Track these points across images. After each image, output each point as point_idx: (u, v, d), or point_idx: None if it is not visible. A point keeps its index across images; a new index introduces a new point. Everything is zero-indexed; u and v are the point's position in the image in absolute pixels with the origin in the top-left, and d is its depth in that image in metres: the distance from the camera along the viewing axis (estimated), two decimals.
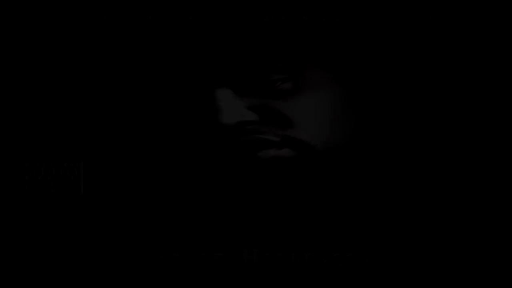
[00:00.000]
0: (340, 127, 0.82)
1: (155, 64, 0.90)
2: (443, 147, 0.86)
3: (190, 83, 0.88)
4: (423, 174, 0.86)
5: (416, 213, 0.85)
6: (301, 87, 0.80)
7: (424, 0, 0.83)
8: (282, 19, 0.79)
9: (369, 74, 0.82)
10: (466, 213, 0.85)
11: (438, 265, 0.83)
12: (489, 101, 0.86)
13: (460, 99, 0.86)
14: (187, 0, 0.84)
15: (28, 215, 0.92)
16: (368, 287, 0.83)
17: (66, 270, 0.89)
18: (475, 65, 0.86)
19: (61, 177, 0.92)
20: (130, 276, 0.88)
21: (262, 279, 0.85)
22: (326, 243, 0.85)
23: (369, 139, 0.84)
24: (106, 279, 0.88)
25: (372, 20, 0.81)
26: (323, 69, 0.80)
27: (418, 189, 0.86)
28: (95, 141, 0.94)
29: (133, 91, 0.93)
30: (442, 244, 0.84)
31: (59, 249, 0.90)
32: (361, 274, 0.83)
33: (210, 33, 0.81)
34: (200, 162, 0.92)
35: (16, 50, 0.93)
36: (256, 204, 0.89)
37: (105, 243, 0.90)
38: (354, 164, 0.85)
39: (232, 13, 0.80)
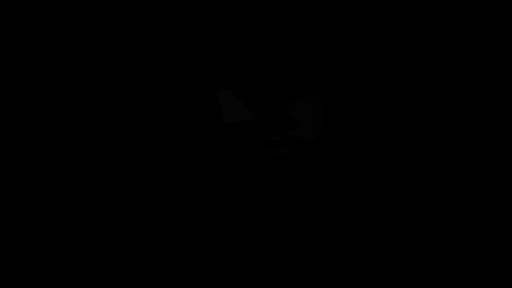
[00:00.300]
0: (340, 127, 0.82)
1: (155, 65, 0.90)
2: (442, 146, 0.86)
3: (191, 83, 0.88)
4: (423, 174, 0.86)
5: (416, 212, 0.86)
6: (301, 88, 0.80)
7: (424, 0, 0.83)
8: (283, 19, 0.79)
9: (368, 75, 0.82)
10: (465, 212, 0.85)
11: (438, 265, 0.83)
12: (489, 102, 0.86)
13: (456, 98, 0.86)
14: (187, 0, 0.84)
15: (29, 215, 0.92)
16: (368, 287, 0.83)
17: (66, 270, 0.89)
18: (474, 65, 0.86)
19: (61, 177, 0.92)
20: (130, 276, 0.88)
21: (262, 279, 0.85)
22: (326, 243, 0.85)
23: (368, 139, 0.85)
24: (106, 279, 0.88)
25: (371, 21, 0.81)
26: (322, 70, 0.80)
27: (418, 189, 0.86)
28: (95, 142, 0.94)
29: (133, 91, 0.93)
30: (442, 244, 0.84)
31: (59, 249, 0.90)
32: (361, 274, 0.84)
33: (211, 34, 0.81)
34: (200, 162, 0.93)
35: (16, 50, 0.93)
36: (256, 204, 0.89)
37: (105, 243, 0.90)
38: (354, 163, 0.86)
39: (233, 13, 0.80)
